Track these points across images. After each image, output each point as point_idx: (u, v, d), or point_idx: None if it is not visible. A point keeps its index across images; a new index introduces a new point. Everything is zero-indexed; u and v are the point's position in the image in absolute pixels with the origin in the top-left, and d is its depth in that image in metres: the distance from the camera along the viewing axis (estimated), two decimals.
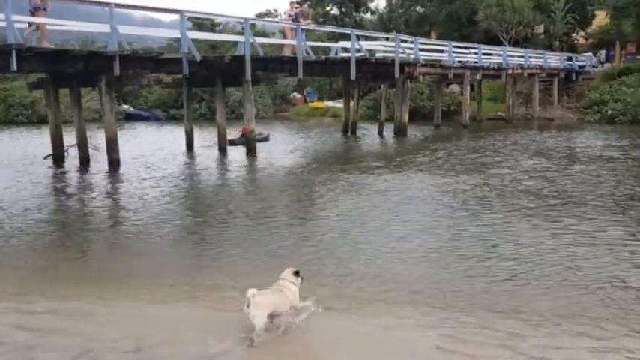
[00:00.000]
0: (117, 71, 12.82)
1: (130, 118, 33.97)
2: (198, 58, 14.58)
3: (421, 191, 10.58)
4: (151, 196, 10.73)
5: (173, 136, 23.37)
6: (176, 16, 14.95)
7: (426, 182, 11.56)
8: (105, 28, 13.18)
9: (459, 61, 25.33)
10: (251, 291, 4.37)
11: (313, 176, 12.96)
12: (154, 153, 17.59)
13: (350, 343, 4.37)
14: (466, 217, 8.46)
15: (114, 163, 13.81)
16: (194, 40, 15.26)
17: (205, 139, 20.46)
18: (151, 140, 22.61)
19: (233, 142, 18.62)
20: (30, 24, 12.51)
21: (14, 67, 11.23)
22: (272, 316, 4.43)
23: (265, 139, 20.65)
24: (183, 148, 18.34)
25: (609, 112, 27.38)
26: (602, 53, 39.91)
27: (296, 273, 4.72)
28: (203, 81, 18.76)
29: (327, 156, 17.75)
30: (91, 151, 15.72)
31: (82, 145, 15.41)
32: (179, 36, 14.88)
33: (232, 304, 4.87)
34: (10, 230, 8.31)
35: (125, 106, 35.77)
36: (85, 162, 15.12)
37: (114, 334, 4.46)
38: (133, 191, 11.38)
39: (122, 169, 13.77)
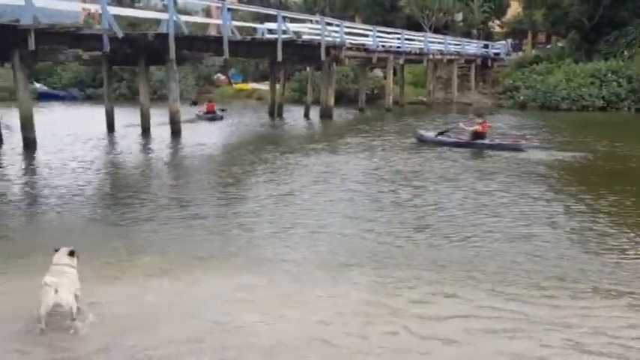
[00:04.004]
0: (32, 46, 12.11)
1: (42, 97, 32.02)
2: (120, 34, 14.03)
3: (349, 170, 10.90)
4: (71, 176, 10.36)
5: (93, 116, 22.38)
6: None
7: (353, 162, 11.91)
8: (19, 1, 12.41)
9: (383, 46, 25.88)
10: (49, 279, 3.99)
11: (241, 157, 12.92)
12: (73, 133, 16.83)
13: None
14: (388, 191, 8.99)
15: (30, 143, 13.09)
16: (114, 17, 14.66)
17: (128, 119, 19.77)
18: (68, 120, 21.57)
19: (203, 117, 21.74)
20: None
21: None
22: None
23: (220, 118, 21.89)
24: (104, 128, 17.67)
25: (521, 97, 28.96)
26: (510, 42, 41.64)
27: (71, 253, 4.41)
28: (124, 59, 18.05)
29: (254, 138, 17.71)
30: (3, 131, 14.83)
31: None
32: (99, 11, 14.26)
33: None
34: None
35: (37, 85, 33.75)
36: None
37: None
38: (49, 171, 10.91)
39: (39, 150, 13.11)
